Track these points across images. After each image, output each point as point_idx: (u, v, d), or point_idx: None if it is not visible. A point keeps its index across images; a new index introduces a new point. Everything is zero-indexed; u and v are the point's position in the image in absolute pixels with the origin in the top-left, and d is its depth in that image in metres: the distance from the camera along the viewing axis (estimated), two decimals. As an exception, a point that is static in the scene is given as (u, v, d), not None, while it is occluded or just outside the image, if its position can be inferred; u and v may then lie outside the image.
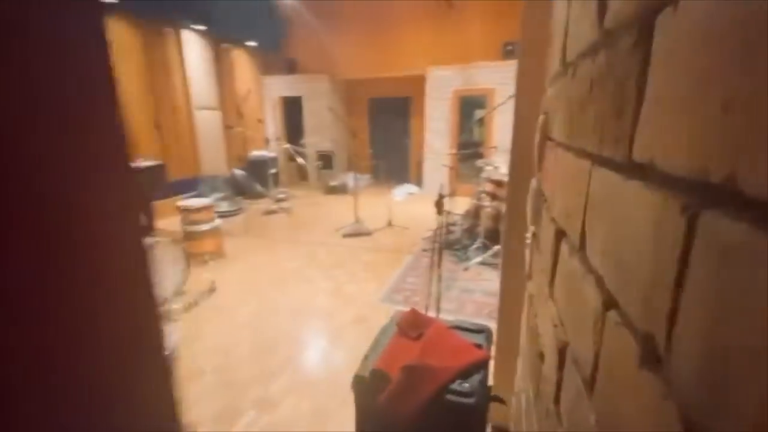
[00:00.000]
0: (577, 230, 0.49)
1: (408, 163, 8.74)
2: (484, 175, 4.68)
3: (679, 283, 0.24)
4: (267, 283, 3.68)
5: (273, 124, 8.32)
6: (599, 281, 0.40)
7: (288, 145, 6.74)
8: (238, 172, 7.09)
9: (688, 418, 0.22)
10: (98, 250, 0.45)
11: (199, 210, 4.03)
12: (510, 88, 5.82)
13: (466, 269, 3.91)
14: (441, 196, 2.55)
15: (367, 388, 1.13)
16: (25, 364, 0.37)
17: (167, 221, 5.18)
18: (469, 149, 7.13)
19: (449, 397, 1.07)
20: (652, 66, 0.30)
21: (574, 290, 0.50)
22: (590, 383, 0.40)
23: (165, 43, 6.00)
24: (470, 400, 1.05)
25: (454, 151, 7.29)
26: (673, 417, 0.23)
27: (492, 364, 1.57)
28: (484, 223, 4.31)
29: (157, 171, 4.41)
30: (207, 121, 6.82)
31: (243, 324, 2.93)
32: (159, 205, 5.32)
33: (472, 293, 3.41)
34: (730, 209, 0.19)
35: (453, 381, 1.08)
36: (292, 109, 8.21)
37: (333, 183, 7.95)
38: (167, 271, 3.25)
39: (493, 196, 4.18)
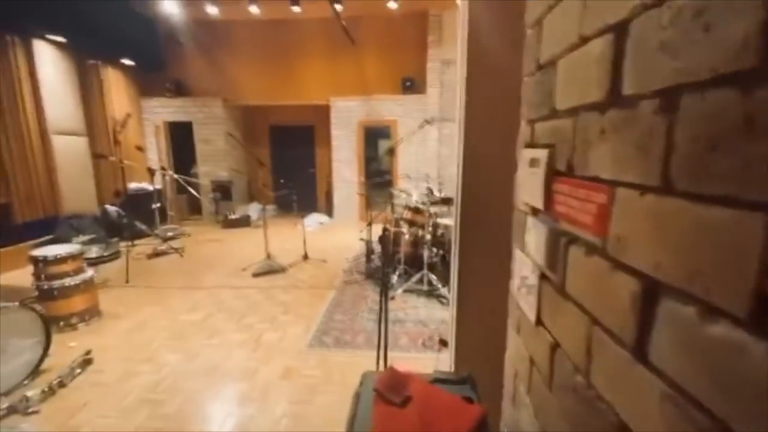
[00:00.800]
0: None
1: (315, 193, 8.48)
2: (398, 202, 4.71)
3: None
4: (163, 343, 3.02)
5: (157, 152, 7.30)
6: None
7: (176, 176, 5.93)
8: (112, 209, 5.97)
9: None
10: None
11: (60, 260, 3.17)
12: (411, 120, 6.08)
13: (392, 298, 3.79)
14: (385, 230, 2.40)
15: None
16: None
17: (13, 275, 4.04)
18: (380, 177, 7.23)
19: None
20: None
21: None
22: None
23: (8, 55, 4.84)
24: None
25: (363, 179, 7.31)
26: None
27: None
28: (404, 249, 4.29)
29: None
30: (69, 149, 5.64)
31: (135, 402, 2.30)
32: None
33: (404, 323, 3.29)
34: None
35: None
36: (180, 135, 7.34)
37: (233, 216, 7.23)
38: (14, 348, 2.44)
39: (411, 223, 4.20)
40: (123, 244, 5.58)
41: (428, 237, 3.86)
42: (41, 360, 2.55)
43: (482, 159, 1.56)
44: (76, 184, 5.72)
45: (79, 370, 2.62)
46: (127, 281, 4.29)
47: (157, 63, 7.20)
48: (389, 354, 2.78)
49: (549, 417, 0.77)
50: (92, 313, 3.38)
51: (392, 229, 4.42)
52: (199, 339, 3.08)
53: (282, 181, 5.27)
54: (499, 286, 1.61)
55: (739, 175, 0.33)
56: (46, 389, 2.37)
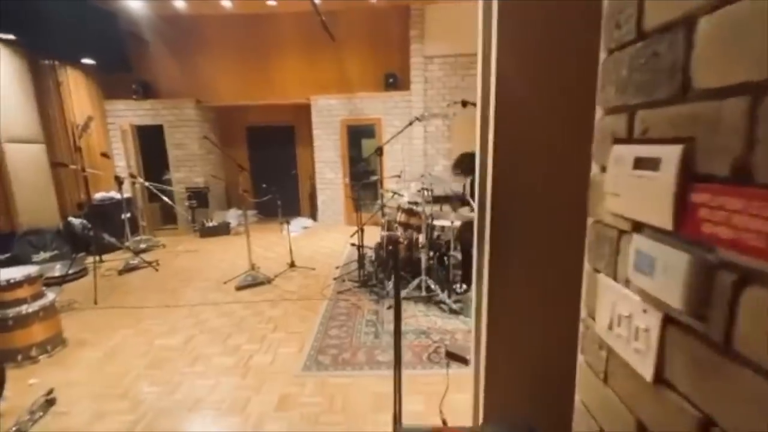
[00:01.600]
0: None
1: (298, 196, 8.14)
2: (389, 203, 4.48)
3: None
4: (138, 374, 2.69)
5: (125, 158, 6.81)
6: None
7: (147, 183, 5.51)
8: (76, 221, 5.49)
9: None
10: None
11: (14, 285, 2.79)
12: (395, 118, 5.84)
13: (389, 307, 3.56)
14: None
15: None
16: None
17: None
18: (367, 178, 6.98)
19: None
20: None
21: None
22: None
23: (-54, 53, 4.33)
24: None
25: (348, 180, 7.04)
26: None
27: None
28: (400, 252, 4.06)
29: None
30: (24, 158, 5.13)
31: (108, 451, 1.99)
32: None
33: (404, 335, 3.06)
34: None
35: None
36: (150, 140, 6.87)
37: (210, 223, 6.83)
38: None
39: (406, 226, 3.98)
40: (90, 259, 5.13)
41: (424, 240, 3.64)
42: (-8, 406, 2.19)
43: (521, 153, 1.33)
44: (33, 195, 5.22)
45: (40, 414, 2.27)
46: (95, 302, 3.90)
47: (120, 62, 6.69)
48: (392, 374, 2.55)
49: None
50: (55, 342, 3.01)
51: (385, 233, 4.18)
52: (180, 366, 2.76)
53: (264, 185, 4.93)
54: (556, 303, 1.40)
55: None
56: (-1, 441, 2.02)
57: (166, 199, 5.64)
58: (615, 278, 0.73)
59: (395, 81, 6.78)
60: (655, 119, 0.62)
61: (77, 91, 6.16)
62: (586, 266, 0.85)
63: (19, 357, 2.80)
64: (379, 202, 4.73)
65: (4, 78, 4.93)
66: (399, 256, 1.79)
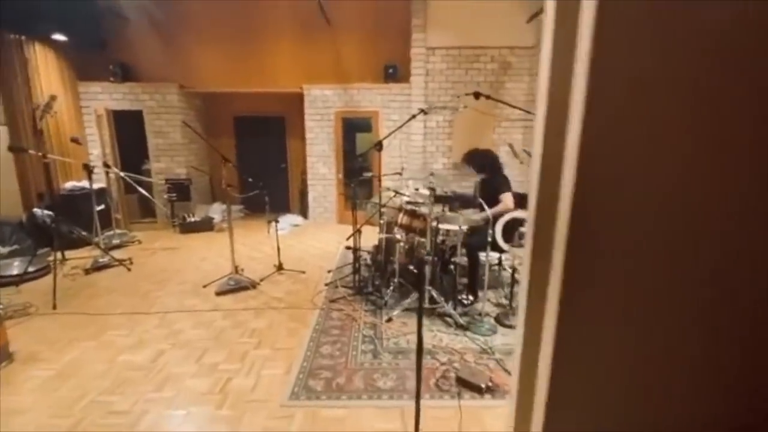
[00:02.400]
0: None
1: (287, 191, 7.69)
2: (389, 203, 4.10)
3: None
4: (96, 399, 2.27)
5: (100, 145, 6.27)
6: None
7: (121, 173, 5.02)
8: (41, 213, 4.97)
9: None
10: None
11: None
12: (393, 111, 5.44)
13: (389, 320, 3.19)
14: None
15: None
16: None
17: None
18: (362, 175, 6.59)
19: None
20: None
21: None
22: None
23: None
24: None
25: (342, 176, 6.64)
26: None
27: None
28: (398, 259, 3.69)
29: None
30: (-20, 141, 4.60)
31: None
32: None
33: (407, 354, 2.70)
34: None
35: None
36: (128, 126, 6.34)
37: (192, 218, 6.36)
38: None
39: (408, 229, 3.61)
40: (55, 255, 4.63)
41: (429, 246, 3.26)
42: None
43: (623, 148, 0.96)
44: (-9, 183, 4.69)
45: (-37, 454, 1.84)
46: (54, 307, 3.43)
47: (96, 40, 6.15)
48: (395, 404, 2.19)
49: None
50: (-3, 357, 2.56)
51: (384, 236, 3.81)
52: (145, 390, 2.34)
53: (250, 180, 4.50)
54: (663, 338, 1.04)
55: None
56: None
57: (142, 191, 5.16)
58: None
59: (395, 72, 6.38)
60: None
61: (46, 70, 5.61)
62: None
63: (-50, 376, 2.35)
64: (374, 201, 4.35)
65: (-42, 50, 4.38)
66: (424, 278, 1.42)
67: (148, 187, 6.06)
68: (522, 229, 3.73)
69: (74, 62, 6.12)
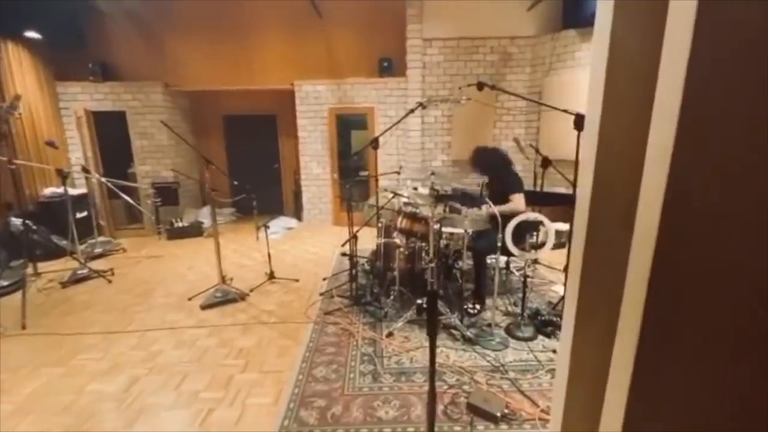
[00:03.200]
0: None
1: (281, 193, 7.39)
2: (387, 205, 3.81)
3: None
4: (55, 439, 1.98)
5: (82, 148, 5.94)
6: None
7: (103, 179, 4.71)
8: (15, 222, 4.66)
9: None
10: None
11: None
12: (389, 107, 5.11)
13: (389, 334, 2.91)
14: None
15: None
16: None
17: None
18: (358, 175, 6.31)
19: None
20: None
21: None
22: None
23: None
24: None
25: (337, 176, 6.36)
26: None
27: None
28: (399, 265, 3.40)
29: None
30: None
31: None
32: None
33: (410, 376, 2.42)
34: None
35: None
36: (110, 128, 6.01)
37: (179, 224, 6.05)
38: None
39: (408, 233, 3.32)
40: (32, 267, 4.33)
41: (432, 253, 2.97)
42: None
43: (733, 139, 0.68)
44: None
45: None
46: (23, 327, 3.13)
47: (74, 38, 5.83)
48: (405, 445, 1.90)
49: None
50: (-53, 392, 2.26)
51: (382, 241, 3.52)
52: (114, 426, 2.05)
53: (236, 182, 4.20)
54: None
55: None
56: None
57: (124, 196, 4.86)
58: None
59: (390, 66, 6.08)
60: None
61: (20, 70, 5.28)
62: None
63: None
64: (371, 202, 4.07)
65: None
66: (436, 311, 1.13)
67: (133, 192, 5.75)
68: (539, 233, 3.45)
69: (51, 61, 5.79)
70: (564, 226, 4.90)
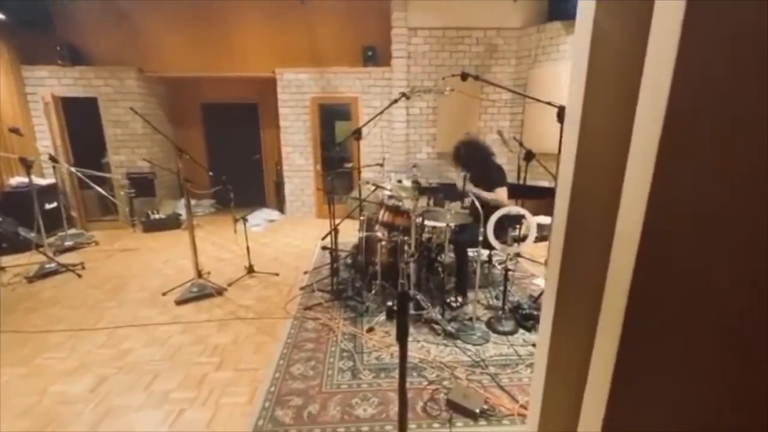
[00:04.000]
0: None
1: (263, 184, 7.23)
2: (366, 197, 3.74)
3: None
4: (12, 444, 1.87)
5: (50, 136, 5.66)
6: None
7: (73, 168, 4.50)
8: (-21, 214, 4.42)
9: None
10: None
11: None
12: (374, 97, 5.02)
13: (370, 330, 2.86)
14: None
15: None
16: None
17: None
18: (341, 166, 6.19)
19: None
20: None
21: None
22: None
23: None
24: None
25: (320, 168, 6.25)
26: None
27: None
28: (381, 259, 3.34)
29: None
30: None
31: None
32: None
33: (390, 372, 2.37)
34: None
35: None
36: (82, 115, 5.74)
37: (156, 215, 5.86)
38: None
39: (390, 226, 3.26)
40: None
41: (413, 247, 2.92)
42: None
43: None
44: None
45: None
46: (-16, 323, 2.97)
47: (41, 19, 5.51)
48: (382, 444, 1.86)
49: None
50: None
51: (364, 234, 3.45)
52: (79, 428, 1.95)
53: (211, 173, 4.06)
54: None
55: None
56: None
57: (96, 187, 4.65)
58: None
59: (374, 55, 5.96)
60: None
61: (-19, 52, 4.97)
62: None
63: None
64: (355, 194, 4.00)
65: None
66: (407, 316, 1.06)
67: (106, 182, 5.53)
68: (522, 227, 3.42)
69: (15, 44, 5.47)
70: (547, 220, 4.92)
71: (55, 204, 5.32)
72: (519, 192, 4.44)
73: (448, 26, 5.76)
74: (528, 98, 3.80)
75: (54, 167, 4.81)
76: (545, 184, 4.78)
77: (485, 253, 3.83)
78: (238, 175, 7.15)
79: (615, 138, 0.74)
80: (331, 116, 6.39)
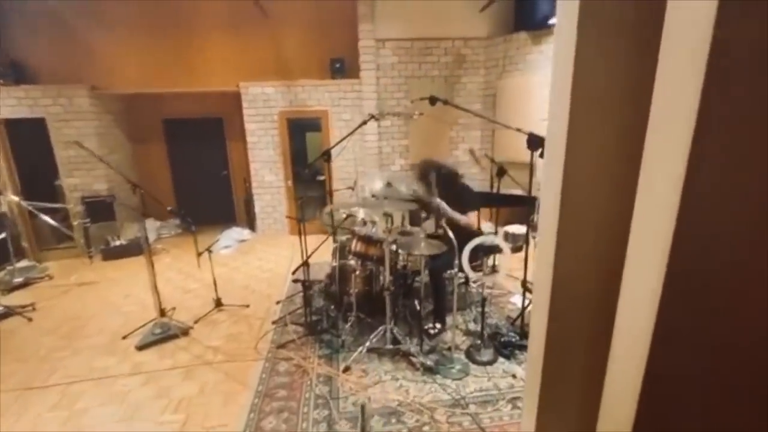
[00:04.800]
0: None
1: (232, 200, 6.96)
2: (338, 224, 3.62)
3: None
4: None
5: (-6, 161, 5.23)
6: None
7: (17, 199, 4.15)
8: None
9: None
10: None
11: None
12: (344, 110, 4.89)
13: (346, 369, 2.74)
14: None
15: None
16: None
17: None
18: (315, 179, 6.03)
19: None
20: None
21: None
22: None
23: None
24: None
25: (290, 183, 6.07)
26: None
27: None
28: (356, 289, 3.22)
29: None
30: None
31: None
32: None
33: (367, 420, 2.26)
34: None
35: None
36: (29, 137, 5.34)
37: (117, 242, 5.53)
38: None
39: (365, 257, 3.15)
40: (-70, 308, 3.73)
41: (388, 278, 2.81)
42: None
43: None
44: None
45: None
46: None
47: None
48: None
49: None
50: None
51: (336, 263, 3.33)
52: None
53: (170, 209, 3.84)
54: None
55: None
56: None
57: (46, 218, 4.31)
58: None
59: (342, 67, 5.82)
60: None
61: None
62: None
63: None
64: (328, 210, 3.85)
65: None
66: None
67: (55, 212, 5.15)
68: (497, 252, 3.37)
69: (-51, 62, 5.02)
70: (521, 229, 4.93)
71: (3, 235, 4.91)
72: (493, 201, 4.44)
73: (416, 37, 5.69)
74: (497, 124, 3.77)
75: (6, 199, 4.44)
76: (519, 192, 4.79)
77: (462, 275, 3.77)
78: (205, 192, 6.92)
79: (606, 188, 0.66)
80: (303, 128, 6.21)
